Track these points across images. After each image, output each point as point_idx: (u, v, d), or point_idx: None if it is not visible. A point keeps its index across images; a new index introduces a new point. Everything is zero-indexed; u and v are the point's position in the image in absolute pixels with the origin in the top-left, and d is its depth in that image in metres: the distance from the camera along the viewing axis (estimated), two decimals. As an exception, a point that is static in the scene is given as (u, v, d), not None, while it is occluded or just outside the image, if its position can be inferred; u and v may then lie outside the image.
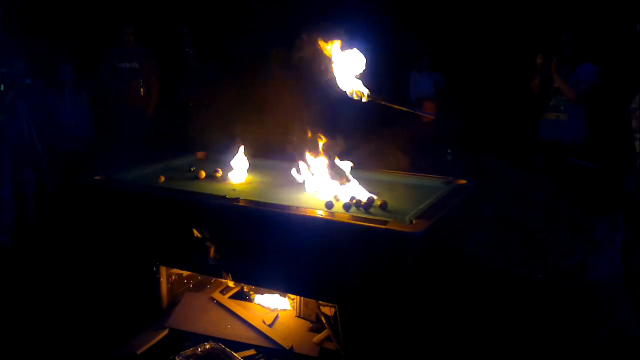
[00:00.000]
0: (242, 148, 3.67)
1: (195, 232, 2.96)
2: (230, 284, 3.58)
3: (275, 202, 2.99)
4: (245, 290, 3.66)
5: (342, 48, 2.93)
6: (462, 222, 3.23)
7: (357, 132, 4.39)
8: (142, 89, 5.85)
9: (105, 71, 5.83)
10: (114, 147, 5.70)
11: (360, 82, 2.91)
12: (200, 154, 4.26)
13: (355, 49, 2.92)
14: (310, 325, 3.27)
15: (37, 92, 5.34)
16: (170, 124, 6.13)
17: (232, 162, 3.61)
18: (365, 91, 2.87)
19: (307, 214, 2.78)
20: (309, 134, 3.30)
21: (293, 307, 3.42)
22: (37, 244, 4.51)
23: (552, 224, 4.69)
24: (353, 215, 2.74)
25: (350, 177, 3.20)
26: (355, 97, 2.88)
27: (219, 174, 3.63)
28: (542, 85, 4.74)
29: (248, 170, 3.64)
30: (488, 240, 4.30)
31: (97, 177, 3.40)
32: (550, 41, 4.86)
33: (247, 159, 3.65)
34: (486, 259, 3.94)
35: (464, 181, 3.38)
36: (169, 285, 3.46)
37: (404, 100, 6.63)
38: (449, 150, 5.50)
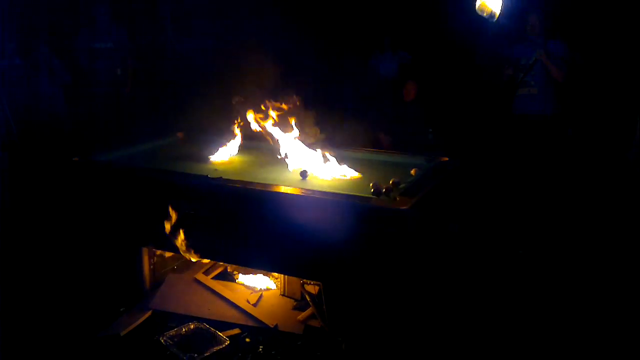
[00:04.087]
0: (226, 127, 3.63)
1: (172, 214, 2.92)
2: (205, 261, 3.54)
3: (258, 180, 2.98)
4: (228, 270, 3.65)
5: None
6: (445, 199, 3.26)
7: (340, 111, 4.39)
8: (118, 69, 5.73)
9: (81, 52, 5.70)
10: (93, 128, 5.60)
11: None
12: (180, 134, 4.21)
13: None
14: (295, 303, 3.28)
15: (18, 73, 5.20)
16: (151, 104, 6.03)
17: (215, 142, 3.57)
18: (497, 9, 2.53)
19: (290, 192, 2.77)
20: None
21: (277, 285, 3.43)
22: (14, 226, 4.43)
23: (530, 200, 4.78)
24: (336, 192, 2.74)
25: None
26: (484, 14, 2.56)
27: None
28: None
29: (231, 150, 3.61)
30: (469, 216, 4.36)
31: (74, 158, 3.33)
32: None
33: (232, 138, 3.61)
34: (467, 235, 3.99)
35: (446, 158, 3.40)
36: (152, 266, 3.43)
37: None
38: (429, 130, 5.52)
